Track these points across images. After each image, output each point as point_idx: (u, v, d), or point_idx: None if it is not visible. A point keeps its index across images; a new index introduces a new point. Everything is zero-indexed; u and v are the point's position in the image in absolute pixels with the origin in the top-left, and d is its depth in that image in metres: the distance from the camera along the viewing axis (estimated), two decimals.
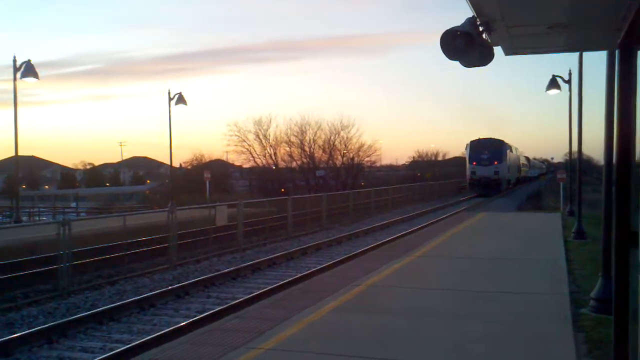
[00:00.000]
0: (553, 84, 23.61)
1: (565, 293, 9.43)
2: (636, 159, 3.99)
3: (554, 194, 51.24)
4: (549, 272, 11.28)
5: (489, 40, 4.36)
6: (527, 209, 38.48)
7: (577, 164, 21.46)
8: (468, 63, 4.37)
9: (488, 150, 54.44)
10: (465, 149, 57.77)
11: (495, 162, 53.92)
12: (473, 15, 4.05)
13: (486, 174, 53.65)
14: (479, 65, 4.43)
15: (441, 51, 4.16)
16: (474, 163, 54.68)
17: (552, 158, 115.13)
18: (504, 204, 46.11)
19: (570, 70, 24.23)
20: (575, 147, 23.89)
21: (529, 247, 15.13)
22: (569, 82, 24.15)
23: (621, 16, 3.59)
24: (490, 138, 56.64)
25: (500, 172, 53.91)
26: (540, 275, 11.09)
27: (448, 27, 4.09)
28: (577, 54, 19.38)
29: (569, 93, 24.54)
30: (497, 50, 4.71)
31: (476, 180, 54.49)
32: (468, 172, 55.95)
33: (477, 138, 56.92)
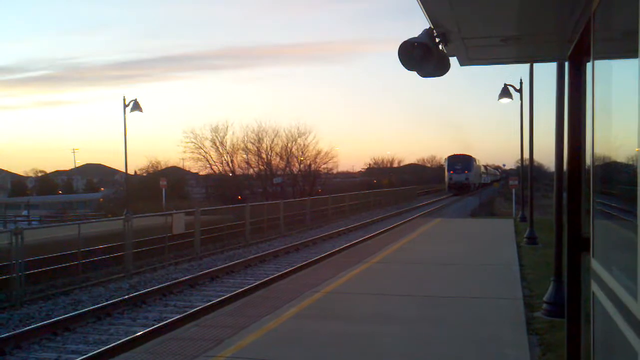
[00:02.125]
0: (505, 92, 24.17)
1: (519, 297, 9.67)
2: (586, 166, 4.15)
3: (505, 199, 52.56)
4: (502, 277, 11.55)
5: (445, 51, 4.48)
6: (481, 215, 39.20)
7: (528, 171, 22.00)
8: (425, 73, 4.47)
9: (461, 162, 74.41)
10: (444, 161, 79.11)
11: (466, 171, 73.90)
12: (430, 27, 4.16)
13: (459, 179, 73.64)
14: (435, 76, 4.55)
15: (399, 61, 4.24)
16: (451, 172, 74.57)
17: (504, 165, 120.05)
18: (458, 209, 46.95)
19: (521, 80, 24.92)
20: (526, 155, 24.56)
21: (483, 253, 15.44)
22: (520, 91, 24.78)
23: (571, 30, 3.75)
24: (462, 154, 76.92)
25: (469, 178, 74.07)
26: (494, 279, 11.34)
27: (405, 37, 4.18)
28: (529, 64, 19.96)
29: (520, 102, 25.21)
30: (453, 60, 4.84)
31: (452, 184, 74.56)
32: (447, 178, 76.17)
33: (453, 154, 77.24)
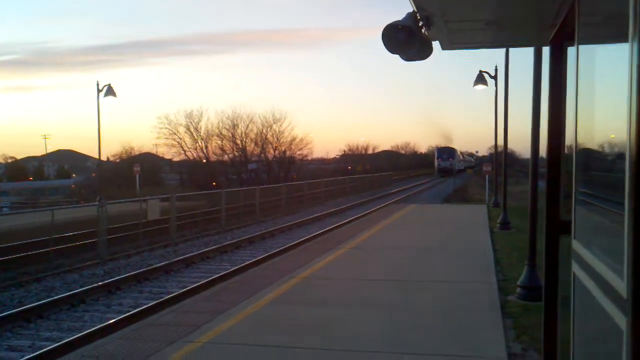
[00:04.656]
0: (480, 79, 24.38)
1: (493, 281, 9.79)
2: (566, 151, 4.20)
3: (478, 186, 53.14)
4: (477, 262, 11.68)
5: (428, 35, 4.47)
6: (454, 201, 39.57)
7: (502, 158, 22.23)
8: (408, 57, 4.47)
9: (447, 153, 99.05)
10: (435, 151, 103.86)
11: (450, 159, 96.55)
12: (413, 10, 4.15)
13: (446, 165, 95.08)
14: (418, 59, 4.55)
15: (382, 44, 4.23)
16: (439, 160, 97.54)
17: (477, 152, 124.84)
18: (433, 195, 47.34)
19: (496, 67, 25.12)
20: (500, 141, 24.83)
21: (458, 238, 15.61)
22: (495, 77, 25.00)
23: (554, 14, 3.76)
24: (448, 147, 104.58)
25: (452, 164, 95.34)
26: (469, 264, 11.47)
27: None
28: (504, 51, 20.13)
29: (495, 88, 25.43)
30: (435, 45, 4.84)
31: (440, 169, 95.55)
32: (436, 164, 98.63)
33: (441, 146, 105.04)
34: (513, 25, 4.28)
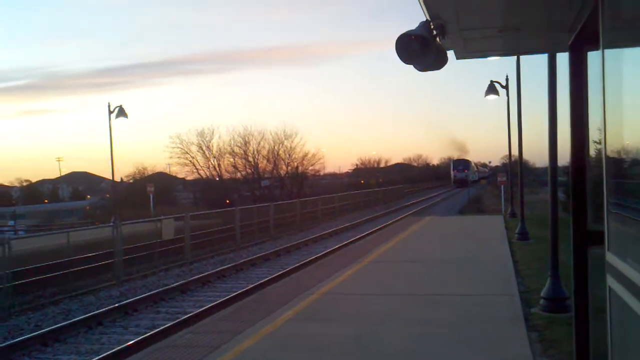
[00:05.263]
0: (491, 89, 24.23)
1: (515, 293, 9.61)
2: (590, 160, 4.07)
3: (493, 196, 52.79)
4: (497, 274, 11.49)
5: (442, 45, 4.38)
6: (470, 212, 39.27)
7: (518, 167, 22.00)
8: (423, 67, 4.37)
9: (462, 164, 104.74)
10: (451, 163, 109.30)
11: (465, 171, 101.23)
12: (427, 19, 4.06)
13: (461, 176, 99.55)
14: (433, 69, 4.45)
15: (396, 54, 4.14)
16: (455, 171, 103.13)
17: (490, 162, 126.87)
18: (447, 207, 47.07)
19: (507, 76, 25.03)
20: (514, 151, 24.59)
21: (476, 250, 15.40)
22: (506, 87, 24.86)
23: (572, 19, 3.66)
24: (463, 158, 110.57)
25: (468, 175, 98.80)
26: (489, 276, 11.28)
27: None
28: (513, 61, 20.00)
29: (507, 98, 25.28)
30: (449, 54, 4.75)
31: (456, 180, 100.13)
32: (452, 176, 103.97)
33: (456, 158, 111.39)
34: (529, 31, 4.18)
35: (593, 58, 3.75)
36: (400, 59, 4.17)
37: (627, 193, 2.71)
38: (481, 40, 4.42)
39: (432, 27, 4.05)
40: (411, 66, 4.48)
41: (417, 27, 4.11)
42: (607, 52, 2.82)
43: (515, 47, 4.84)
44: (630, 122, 2.59)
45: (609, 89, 2.79)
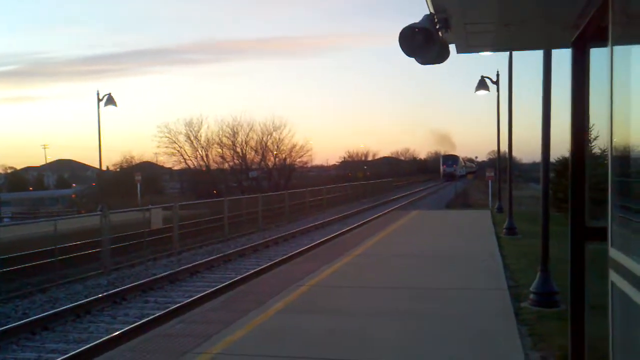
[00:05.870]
0: (482, 85, 24.32)
1: (504, 287, 9.66)
2: (587, 155, 4.09)
3: (480, 191, 53.07)
4: (486, 268, 11.56)
5: (444, 38, 4.38)
6: (457, 207, 39.43)
7: (507, 163, 22.14)
8: (425, 60, 4.36)
9: (451, 159, 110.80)
10: (440, 158, 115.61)
11: (454, 166, 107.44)
12: (431, 12, 4.05)
13: (450, 171, 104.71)
14: (435, 63, 4.45)
15: (399, 47, 4.13)
16: (444, 166, 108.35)
17: (477, 157, 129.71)
18: (435, 201, 47.27)
19: (498, 72, 25.14)
20: (503, 146, 24.76)
21: (464, 244, 15.48)
22: (497, 83, 24.97)
23: (577, 15, 3.67)
24: (452, 154, 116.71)
25: (456, 170, 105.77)
26: (478, 270, 11.34)
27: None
28: (505, 56, 20.06)
29: (497, 93, 25.40)
30: (451, 48, 4.75)
31: (445, 174, 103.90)
32: (441, 170, 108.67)
33: (446, 154, 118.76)
34: (533, 26, 4.18)
35: (596, 55, 3.77)
36: (403, 51, 4.16)
37: (634, 190, 2.73)
38: (484, 34, 4.42)
39: (435, 20, 4.05)
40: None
41: (421, 20, 4.10)
42: (616, 48, 2.83)
43: (517, 42, 4.83)
44: (638, 119, 2.60)
45: (617, 86, 2.80)
